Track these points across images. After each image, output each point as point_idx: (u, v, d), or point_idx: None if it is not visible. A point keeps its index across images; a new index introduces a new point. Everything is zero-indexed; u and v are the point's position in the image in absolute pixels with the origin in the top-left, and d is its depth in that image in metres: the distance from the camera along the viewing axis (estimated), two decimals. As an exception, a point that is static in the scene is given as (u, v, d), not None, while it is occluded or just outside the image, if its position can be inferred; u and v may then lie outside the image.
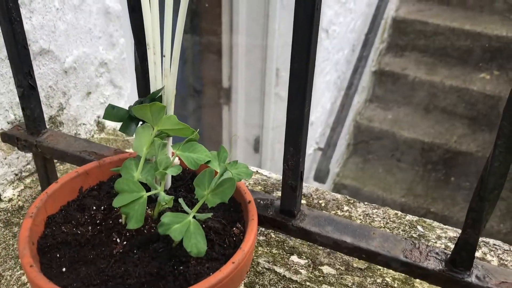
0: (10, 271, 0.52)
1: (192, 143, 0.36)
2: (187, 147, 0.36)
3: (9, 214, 0.59)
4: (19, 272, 0.52)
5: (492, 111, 2.76)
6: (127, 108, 0.39)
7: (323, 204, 0.61)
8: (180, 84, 1.78)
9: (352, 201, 0.62)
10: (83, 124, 0.71)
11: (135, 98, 0.45)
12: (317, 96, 1.91)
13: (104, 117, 0.39)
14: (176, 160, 0.38)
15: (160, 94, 0.37)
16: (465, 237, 0.36)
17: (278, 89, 1.85)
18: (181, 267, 0.35)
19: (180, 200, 0.34)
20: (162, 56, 0.36)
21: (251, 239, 0.35)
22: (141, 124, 0.37)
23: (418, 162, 2.68)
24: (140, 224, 0.34)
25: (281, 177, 0.66)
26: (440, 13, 3.08)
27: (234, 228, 0.38)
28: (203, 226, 0.38)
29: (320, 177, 2.00)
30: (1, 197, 0.61)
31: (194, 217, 0.34)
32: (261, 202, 0.44)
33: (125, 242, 0.37)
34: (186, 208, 0.34)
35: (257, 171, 0.67)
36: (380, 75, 2.93)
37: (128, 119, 0.37)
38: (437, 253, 0.39)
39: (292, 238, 0.56)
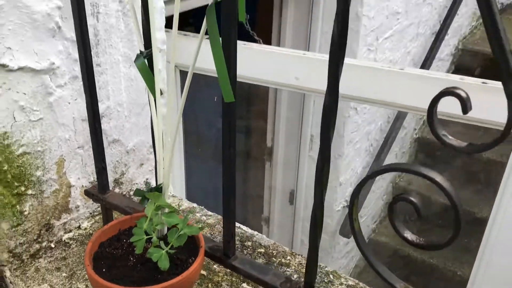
0: (80, 271, 0.89)
1: (171, 213, 0.72)
2: (168, 215, 0.71)
3: (83, 238, 0.98)
4: (84, 272, 0.89)
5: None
6: (146, 189, 0.75)
7: (274, 253, 0.94)
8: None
9: (294, 254, 0.94)
10: (136, 183, 1.09)
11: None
12: (347, 161, 2.21)
13: (134, 194, 0.75)
14: (166, 219, 0.73)
15: (160, 186, 0.73)
16: (308, 267, 0.68)
17: (312, 152, 2.18)
18: (159, 276, 0.70)
19: (161, 242, 0.70)
20: (163, 168, 0.73)
21: (196, 265, 0.70)
22: (149, 200, 0.74)
23: (449, 226, 2.82)
24: (141, 251, 0.70)
25: (255, 232, 1.00)
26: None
27: (190, 259, 0.73)
28: (175, 257, 0.73)
29: (344, 232, 2.27)
30: (80, 226, 1.00)
31: (166, 251, 0.69)
32: (215, 247, 0.79)
33: (134, 260, 0.73)
34: (163, 246, 0.69)
35: (239, 226, 1.01)
36: (422, 142, 3.16)
37: (144, 197, 0.74)
38: (299, 287, 0.71)
39: (247, 272, 0.89)
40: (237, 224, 1.01)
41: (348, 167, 2.26)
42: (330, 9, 1.84)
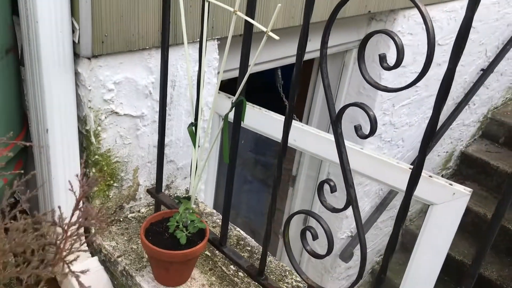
0: (135, 238, 1.45)
1: (193, 213, 1.25)
2: (191, 214, 1.25)
3: (140, 218, 1.54)
4: (138, 239, 1.45)
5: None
6: (182, 196, 1.29)
7: (256, 251, 1.45)
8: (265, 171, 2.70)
9: (269, 255, 1.44)
10: (179, 189, 1.65)
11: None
12: (355, 199, 2.67)
13: (175, 198, 1.30)
14: (189, 216, 1.27)
15: (189, 196, 1.27)
16: (261, 261, 1.19)
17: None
18: (179, 247, 1.23)
19: (184, 228, 1.23)
20: (192, 186, 1.27)
21: (200, 245, 1.22)
22: (182, 203, 1.27)
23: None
24: (172, 231, 1.24)
25: (249, 236, 1.52)
26: (505, 158, 3.54)
27: (198, 241, 1.26)
28: (190, 238, 1.26)
29: (344, 257, 2.73)
30: (140, 211, 1.56)
31: (185, 234, 1.23)
32: (215, 238, 1.31)
33: (168, 235, 1.27)
34: (184, 231, 1.23)
35: (239, 230, 1.53)
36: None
37: (179, 201, 1.28)
38: (255, 269, 1.22)
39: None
40: (237, 228, 1.54)
41: (356, 204, 2.72)
42: (354, 82, 2.34)
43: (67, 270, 0.64)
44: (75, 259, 0.67)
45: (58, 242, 0.65)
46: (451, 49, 0.74)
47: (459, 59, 0.75)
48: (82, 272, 0.64)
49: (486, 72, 3.08)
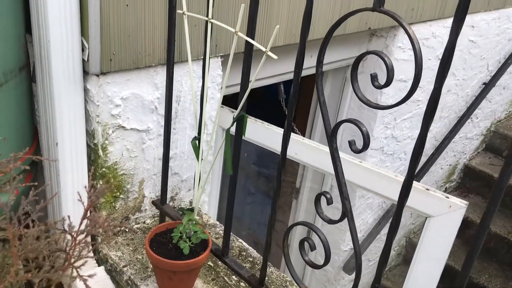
0: (140, 248, 1.49)
1: (196, 224, 1.29)
2: (194, 225, 1.29)
3: (145, 229, 1.58)
4: (143, 249, 1.49)
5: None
6: (186, 208, 1.34)
7: (258, 262, 1.49)
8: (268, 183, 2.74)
9: (270, 265, 1.48)
10: (184, 201, 1.69)
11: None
12: (358, 212, 2.70)
13: (178, 209, 1.34)
14: (192, 227, 1.31)
15: (192, 208, 1.32)
16: (262, 272, 1.23)
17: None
18: (182, 257, 1.28)
19: (187, 239, 1.28)
20: (196, 198, 1.31)
21: (203, 256, 1.27)
22: (185, 215, 1.32)
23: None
24: (176, 242, 1.28)
25: (250, 247, 1.56)
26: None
27: (201, 252, 1.30)
28: (193, 249, 1.30)
29: (347, 269, 2.75)
30: (145, 222, 1.60)
31: (189, 244, 1.27)
32: (217, 248, 1.35)
33: (171, 246, 1.31)
34: (187, 241, 1.27)
35: (241, 241, 1.57)
36: (440, 207, 3.54)
37: (183, 212, 1.32)
38: (255, 279, 1.26)
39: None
40: (240, 240, 1.58)
41: (359, 217, 2.75)
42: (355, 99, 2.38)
43: (75, 274, 0.69)
44: (83, 264, 0.72)
45: (68, 248, 0.70)
46: (437, 70, 0.79)
47: (445, 79, 0.80)
48: (90, 276, 0.69)
49: (488, 86, 3.12)
